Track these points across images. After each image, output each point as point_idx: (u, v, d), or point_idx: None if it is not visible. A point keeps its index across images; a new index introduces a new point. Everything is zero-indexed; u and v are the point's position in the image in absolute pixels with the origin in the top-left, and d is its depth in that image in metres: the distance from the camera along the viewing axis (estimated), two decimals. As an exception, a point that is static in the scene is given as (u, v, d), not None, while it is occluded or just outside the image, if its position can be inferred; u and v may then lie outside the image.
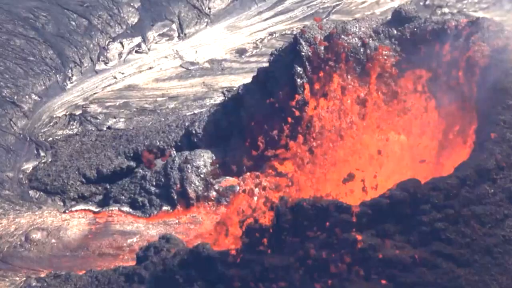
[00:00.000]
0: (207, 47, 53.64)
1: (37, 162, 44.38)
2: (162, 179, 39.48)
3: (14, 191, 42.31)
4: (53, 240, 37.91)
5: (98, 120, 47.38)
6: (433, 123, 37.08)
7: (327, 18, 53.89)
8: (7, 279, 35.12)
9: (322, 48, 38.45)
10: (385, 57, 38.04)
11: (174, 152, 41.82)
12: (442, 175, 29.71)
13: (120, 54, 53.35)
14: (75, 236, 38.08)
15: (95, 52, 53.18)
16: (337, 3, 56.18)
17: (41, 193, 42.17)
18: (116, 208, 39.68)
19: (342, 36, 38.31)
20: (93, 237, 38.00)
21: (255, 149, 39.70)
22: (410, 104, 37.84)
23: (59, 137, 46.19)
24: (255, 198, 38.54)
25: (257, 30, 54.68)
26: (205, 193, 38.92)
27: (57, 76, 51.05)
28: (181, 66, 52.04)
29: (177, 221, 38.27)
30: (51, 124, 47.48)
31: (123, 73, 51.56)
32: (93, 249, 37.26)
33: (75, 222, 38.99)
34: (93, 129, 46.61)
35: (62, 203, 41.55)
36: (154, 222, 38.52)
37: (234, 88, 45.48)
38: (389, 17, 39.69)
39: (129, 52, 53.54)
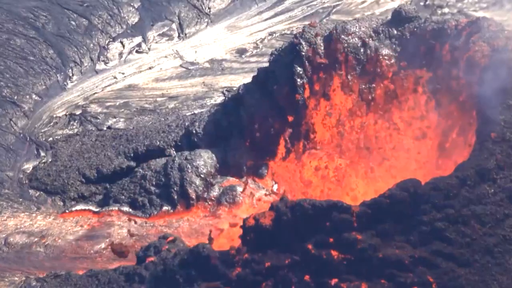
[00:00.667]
0: (207, 47, 53.65)
1: (37, 162, 44.41)
2: (162, 179, 39.47)
3: (14, 190, 42.35)
4: (34, 243, 37.93)
5: (98, 120, 47.39)
6: (434, 123, 37.09)
7: (327, 18, 53.91)
8: (6, 279, 35.14)
9: (322, 48, 38.45)
10: (388, 65, 38.06)
11: (174, 152, 41.84)
12: (442, 175, 29.73)
13: (120, 54, 53.36)
14: (56, 240, 38.05)
15: (95, 52, 53.19)
16: (337, 3, 56.18)
17: (41, 192, 42.22)
18: (116, 208, 39.69)
19: (342, 36, 38.31)
20: (73, 241, 38.06)
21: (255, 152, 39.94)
22: (411, 105, 37.86)
23: (59, 137, 46.21)
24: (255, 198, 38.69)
25: (257, 30, 54.69)
26: (205, 193, 38.91)
27: (58, 75, 51.06)
28: (181, 66, 52.05)
29: (152, 224, 38.35)
30: (51, 124, 47.50)
31: (123, 73, 51.58)
32: (69, 252, 37.39)
33: (62, 226, 38.94)
34: (93, 129, 46.63)
35: (62, 203, 41.60)
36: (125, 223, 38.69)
37: (234, 88, 45.49)
38: (389, 17, 39.69)
39: (129, 52, 53.55)
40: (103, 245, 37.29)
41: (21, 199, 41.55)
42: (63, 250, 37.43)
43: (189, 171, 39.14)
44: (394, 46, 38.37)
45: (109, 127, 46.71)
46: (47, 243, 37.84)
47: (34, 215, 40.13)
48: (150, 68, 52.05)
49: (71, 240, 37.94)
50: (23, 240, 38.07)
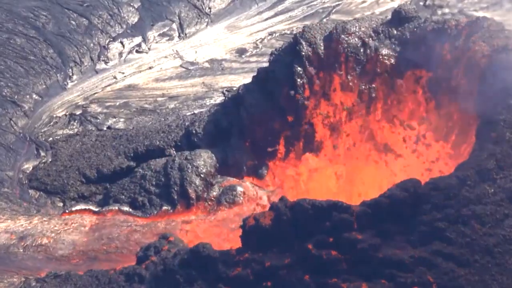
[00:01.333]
0: (207, 47, 53.66)
1: (37, 162, 44.42)
2: (162, 179, 39.46)
3: (14, 189, 42.38)
4: (11, 245, 37.93)
5: (98, 120, 47.40)
6: (434, 124, 37.08)
7: (327, 18, 53.90)
8: (5, 281, 35.07)
9: (322, 48, 38.44)
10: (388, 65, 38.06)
11: (174, 152, 41.84)
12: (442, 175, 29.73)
13: (120, 54, 53.37)
14: (36, 241, 38.07)
15: (96, 52, 53.22)
16: (337, 3, 56.18)
17: (41, 193, 42.21)
18: (116, 207, 39.68)
19: (342, 36, 38.29)
20: (49, 242, 38.16)
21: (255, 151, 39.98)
22: (411, 105, 37.84)
23: (59, 137, 46.22)
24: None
25: (257, 30, 54.69)
26: (205, 193, 38.90)
27: (58, 75, 51.08)
28: (181, 66, 52.06)
29: (130, 223, 38.39)
30: (51, 124, 47.51)
31: (123, 73, 51.59)
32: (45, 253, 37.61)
33: (45, 227, 38.91)
34: (93, 129, 46.64)
35: (62, 204, 41.59)
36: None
37: (234, 88, 45.50)
38: (389, 17, 39.67)
39: (129, 52, 53.57)
40: (69, 250, 37.30)
41: (19, 200, 41.55)
42: (39, 251, 37.45)
43: (189, 171, 39.14)
44: (394, 46, 38.34)
45: (109, 127, 46.72)
46: (26, 244, 37.82)
47: (32, 217, 40.07)
48: (150, 68, 52.06)
49: (47, 241, 37.96)
50: (2, 242, 38.07)
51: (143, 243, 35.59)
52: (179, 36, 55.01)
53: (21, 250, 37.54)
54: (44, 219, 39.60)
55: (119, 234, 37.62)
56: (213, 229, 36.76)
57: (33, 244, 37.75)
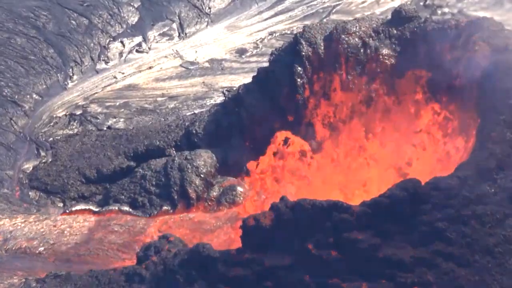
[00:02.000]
0: (207, 46, 53.67)
1: (37, 162, 44.43)
2: (162, 179, 39.47)
3: (13, 190, 42.39)
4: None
5: (98, 120, 47.42)
6: (434, 123, 37.07)
7: (327, 18, 53.92)
8: (5, 281, 35.04)
9: (323, 48, 38.45)
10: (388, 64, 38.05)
11: (174, 152, 41.84)
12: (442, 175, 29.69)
13: (120, 53, 53.38)
14: (17, 244, 38.02)
15: (96, 51, 53.24)
16: (337, 3, 56.19)
17: (41, 193, 42.22)
18: (116, 207, 39.70)
19: (343, 36, 38.29)
20: (30, 244, 38.12)
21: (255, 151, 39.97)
22: (411, 105, 37.83)
23: (59, 137, 46.24)
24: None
25: (257, 30, 54.71)
26: (205, 193, 38.90)
27: (58, 75, 51.11)
28: (181, 65, 52.09)
29: (109, 223, 38.40)
30: (52, 124, 47.53)
31: (123, 73, 51.60)
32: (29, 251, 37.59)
33: (32, 228, 38.79)
34: (93, 129, 46.66)
35: (62, 204, 41.60)
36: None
37: (234, 88, 45.49)
38: (389, 17, 39.67)
39: (130, 52, 53.58)
40: (46, 252, 37.25)
41: (19, 201, 41.55)
42: (21, 252, 37.44)
43: (189, 171, 39.13)
44: (394, 46, 38.34)
45: (109, 127, 46.74)
46: (7, 247, 37.77)
47: (30, 216, 40.00)
48: (150, 67, 52.08)
49: (27, 244, 37.91)
50: None
51: (118, 244, 35.59)
52: (179, 36, 55.03)
53: (4, 252, 37.45)
54: (40, 218, 39.54)
55: (91, 237, 37.40)
56: (185, 231, 36.67)
57: (13, 248, 37.60)
